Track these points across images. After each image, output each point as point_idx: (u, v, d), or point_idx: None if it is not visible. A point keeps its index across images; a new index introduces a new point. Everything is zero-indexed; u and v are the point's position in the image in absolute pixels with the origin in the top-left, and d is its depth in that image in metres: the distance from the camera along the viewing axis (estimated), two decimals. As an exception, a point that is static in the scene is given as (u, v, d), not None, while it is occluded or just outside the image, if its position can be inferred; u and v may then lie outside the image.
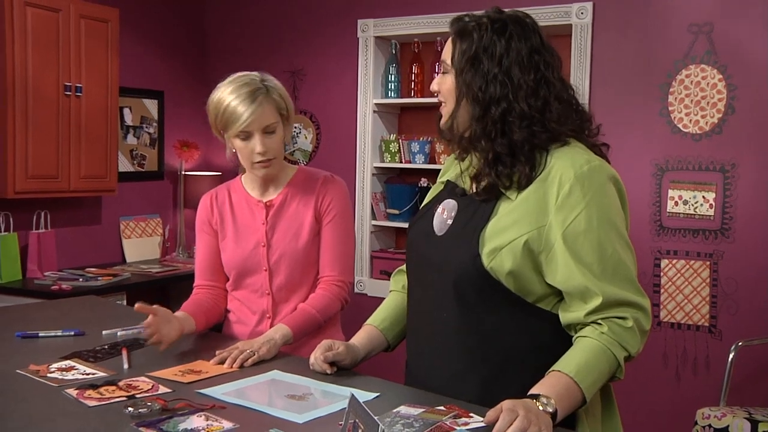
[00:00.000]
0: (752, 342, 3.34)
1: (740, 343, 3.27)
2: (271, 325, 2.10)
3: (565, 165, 1.50)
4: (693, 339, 3.67)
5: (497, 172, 1.54)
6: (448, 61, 1.59)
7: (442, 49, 1.65)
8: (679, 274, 3.68)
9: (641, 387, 3.69)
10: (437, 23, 4.19)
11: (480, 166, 1.58)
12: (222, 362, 1.83)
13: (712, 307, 3.62)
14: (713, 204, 3.60)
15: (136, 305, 1.86)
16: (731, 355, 3.23)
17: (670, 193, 3.69)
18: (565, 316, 1.51)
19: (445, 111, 1.62)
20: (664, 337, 3.71)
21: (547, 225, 1.49)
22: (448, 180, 1.74)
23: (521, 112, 1.52)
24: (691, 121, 3.65)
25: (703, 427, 3.02)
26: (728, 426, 2.94)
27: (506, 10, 1.61)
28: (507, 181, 1.53)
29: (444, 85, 1.61)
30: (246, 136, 2.02)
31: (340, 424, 1.41)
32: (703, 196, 3.62)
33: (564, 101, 1.56)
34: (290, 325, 2.02)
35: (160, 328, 1.87)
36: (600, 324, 1.47)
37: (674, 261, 3.69)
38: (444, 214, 1.64)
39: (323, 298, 2.11)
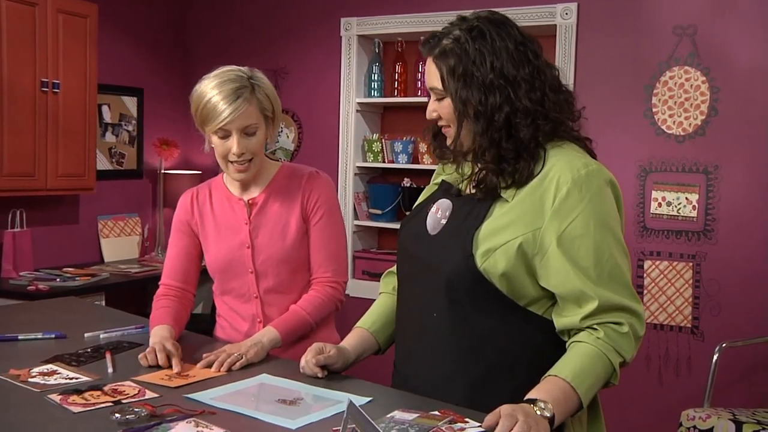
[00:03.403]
0: (736, 343, 3.36)
1: (724, 345, 3.28)
2: None
3: (562, 168, 1.49)
4: (675, 340, 3.69)
5: (500, 171, 1.51)
6: (439, 86, 1.54)
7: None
8: (662, 276, 3.69)
9: (624, 389, 3.67)
10: (421, 22, 4.17)
11: (484, 172, 1.54)
12: (209, 366, 1.78)
13: (694, 309, 3.64)
14: (696, 205, 3.61)
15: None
16: (715, 357, 3.24)
17: (654, 194, 3.70)
18: (560, 321, 1.49)
19: (450, 133, 1.58)
20: (646, 338, 3.72)
21: (543, 228, 1.47)
22: (443, 180, 1.71)
23: (525, 110, 1.49)
24: (674, 122, 3.66)
25: (688, 428, 3.03)
26: (713, 427, 2.95)
27: (467, 15, 1.57)
28: (510, 179, 1.51)
29: (443, 109, 1.56)
30: (224, 134, 1.95)
31: (335, 430, 1.38)
32: (686, 198, 3.63)
33: (557, 88, 1.55)
34: (279, 328, 1.97)
35: None
36: (596, 329, 1.46)
37: (657, 262, 3.70)
38: (438, 214, 1.62)
39: (315, 300, 2.06)
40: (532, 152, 1.51)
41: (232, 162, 1.98)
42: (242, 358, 1.81)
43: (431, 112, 1.60)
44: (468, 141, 1.55)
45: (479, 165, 1.55)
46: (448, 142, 1.60)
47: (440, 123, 1.60)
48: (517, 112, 1.49)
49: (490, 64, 1.49)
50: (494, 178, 1.52)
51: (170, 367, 1.76)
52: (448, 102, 1.54)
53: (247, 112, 1.93)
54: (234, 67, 2.00)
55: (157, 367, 1.77)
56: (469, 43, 1.50)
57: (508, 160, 1.51)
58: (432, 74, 1.56)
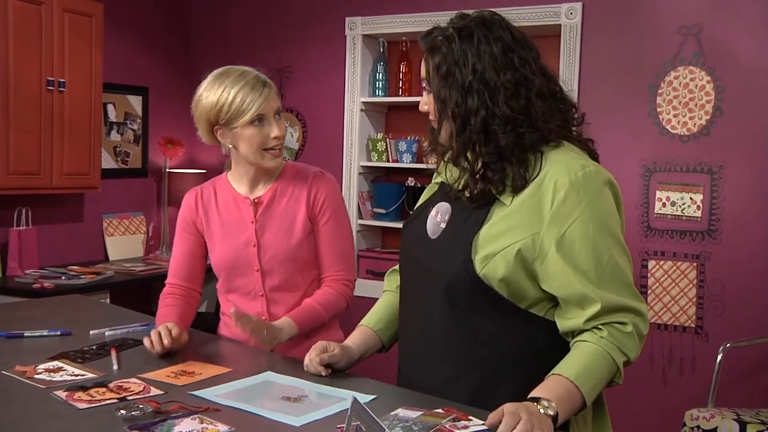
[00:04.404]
0: (740, 343, 3.36)
1: (728, 345, 3.28)
2: None
3: (559, 171, 1.48)
4: (679, 340, 3.69)
5: (488, 180, 1.51)
6: (427, 80, 1.56)
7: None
8: (666, 275, 3.68)
9: (627, 388, 3.67)
10: (426, 22, 4.17)
11: (467, 178, 1.54)
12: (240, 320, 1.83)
13: (698, 309, 3.63)
14: (701, 205, 3.61)
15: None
16: (719, 357, 3.23)
17: (658, 194, 3.70)
18: (564, 324, 1.49)
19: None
20: (650, 338, 3.72)
21: (542, 232, 1.46)
22: (442, 182, 1.71)
23: (504, 116, 1.48)
24: (679, 122, 3.66)
25: (692, 428, 3.03)
26: (717, 427, 2.95)
27: (470, 12, 1.57)
28: (500, 186, 1.51)
29: (431, 105, 1.57)
30: (260, 120, 1.97)
31: (339, 427, 1.39)
32: (691, 198, 3.63)
33: (546, 96, 1.52)
34: (296, 319, 1.99)
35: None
36: (600, 329, 1.45)
37: (661, 262, 3.70)
38: (438, 217, 1.61)
39: (330, 296, 2.08)
40: (519, 158, 1.49)
41: (268, 149, 2.01)
42: (265, 333, 1.85)
43: (423, 105, 1.61)
44: (446, 139, 1.56)
45: (463, 170, 1.55)
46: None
47: (429, 117, 1.60)
48: (495, 118, 1.48)
49: (471, 67, 1.49)
50: (480, 185, 1.52)
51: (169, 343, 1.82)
52: (432, 98, 1.56)
53: (275, 95, 2.02)
54: (230, 66, 2.04)
55: (163, 364, 1.78)
56: (456, 42, 1.50)
57: (492, 167, 1.50)
58: (423, 68, 1.57)
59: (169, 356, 1.85)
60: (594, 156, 1.59)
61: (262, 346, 1.90)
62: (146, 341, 1.83)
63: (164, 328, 1.84)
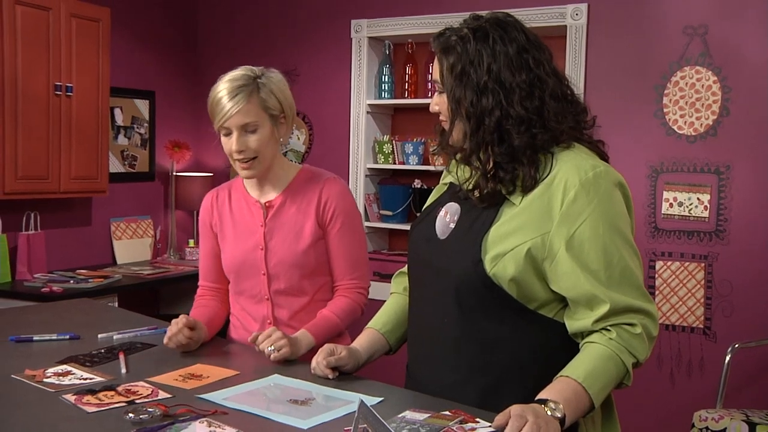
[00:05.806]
0: (748, 344, 3.34)
1: (737, 345, 3.26)
2: None
3: (570, 171, 1.48)
4: (687, 341, 3.68)
5: (498, 180, 1.51)
6: (440, 80, 1.56)
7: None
8: (673, 276, 3.68)
9: (636, 390, 3.66)
10: (431, 24, 4.18)
11: (478, 177, 1.54)
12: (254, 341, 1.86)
13: (706, 309, 3.62)
14: (708, 206, 3.60)
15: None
16: (728, 357, 3.22)
17: (665, 194, 3.69)
18: (573, 324, 1.49)
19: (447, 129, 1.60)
20: (658, 339, 3.68)
21: (551, 232, 1.46)
22: (451, 182, 1.71)
23: (518, 117, 1.48)
24: (685, 122, 3.65)
25: (701, 429, 3.02)
26: (726, 428, 2.94)
27: (483, 13, 1.57)
28: (510, 186, 1.51)
29: (442, 104, 1.58)
30: (226, 132, 1.99)
31: (346, 430, 1.39)
32: (698, 198, 3.62)
33: (560, 98, 1.53)
34: (313, 332, 1.99)
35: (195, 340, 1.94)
36: (608, 330, 1.45)
37: (669, 263, 3.69)
38: (447, 218, 1.61)
39: (348, 306, 2.09)
40: (531, 159, 1.50)
41: (236, 159, 2.01)
42: (275, 351, 1.83)
43: (433, 105, 1.61)
44: (459, 139, 1.56)
45: (475, 169, 1.55)
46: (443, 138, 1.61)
47: (440, 118, 1.60)
48: (509, 118, 1.48)
49: (486, 67, 1.49)
50: (491, 185, 1.52)
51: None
52: (445, 98, 1.56)
53: (244, 109, 1.96)
54: (247, 67, 2.04)
55: (171, 367, 1.79)
56: (471, 43, 1.51)
57: (503, 167, 1.50)
58: (436, 68, 1.57)
59: (176, 359, 1.85)
60: (604, 157, 1.59)
61: (276, 359, 1.86)
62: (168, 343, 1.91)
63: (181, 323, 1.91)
